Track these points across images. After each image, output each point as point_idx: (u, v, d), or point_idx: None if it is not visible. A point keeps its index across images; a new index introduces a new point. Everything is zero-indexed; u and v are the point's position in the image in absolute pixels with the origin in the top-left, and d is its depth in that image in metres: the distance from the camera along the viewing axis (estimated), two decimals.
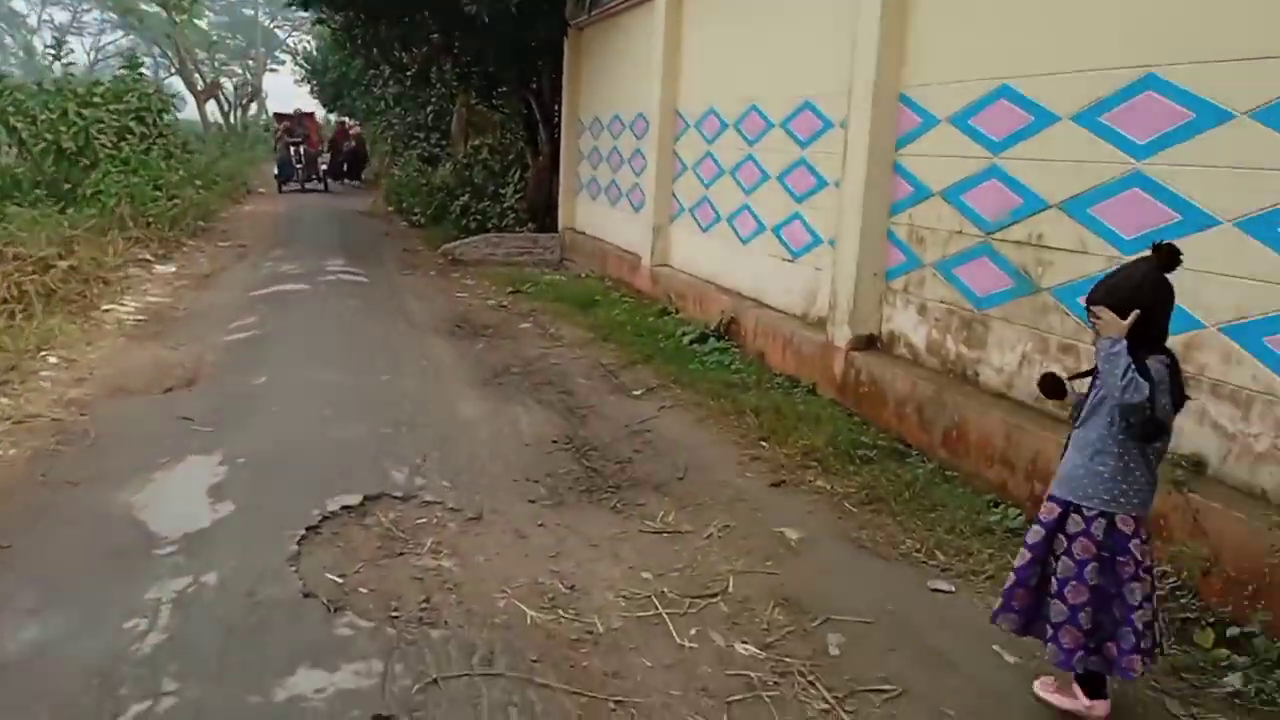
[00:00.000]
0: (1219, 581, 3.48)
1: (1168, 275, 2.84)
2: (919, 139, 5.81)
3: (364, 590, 3.71)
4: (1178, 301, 2.92)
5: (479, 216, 15.78)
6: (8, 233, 9.25)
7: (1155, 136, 4.08)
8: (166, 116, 17.58)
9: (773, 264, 7.75)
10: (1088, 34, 4.48)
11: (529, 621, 3.52)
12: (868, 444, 5.41)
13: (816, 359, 6.59)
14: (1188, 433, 3.86)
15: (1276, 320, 3.51)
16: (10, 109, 14.21)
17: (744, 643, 3.45)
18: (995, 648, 3.44)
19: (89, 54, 50.59)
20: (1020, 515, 4.41)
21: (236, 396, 6.25)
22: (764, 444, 5.59)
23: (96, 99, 15.50)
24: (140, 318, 8.60)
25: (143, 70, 18.56)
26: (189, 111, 34.96)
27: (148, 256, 11.52)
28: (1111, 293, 2.86)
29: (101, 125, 14.88)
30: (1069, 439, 3.03)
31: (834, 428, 5.60)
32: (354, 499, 4.52)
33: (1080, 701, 3.03)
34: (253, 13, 50.23)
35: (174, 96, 20.53)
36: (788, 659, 3.35)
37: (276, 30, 50.84)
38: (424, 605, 3.61)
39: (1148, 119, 4.11)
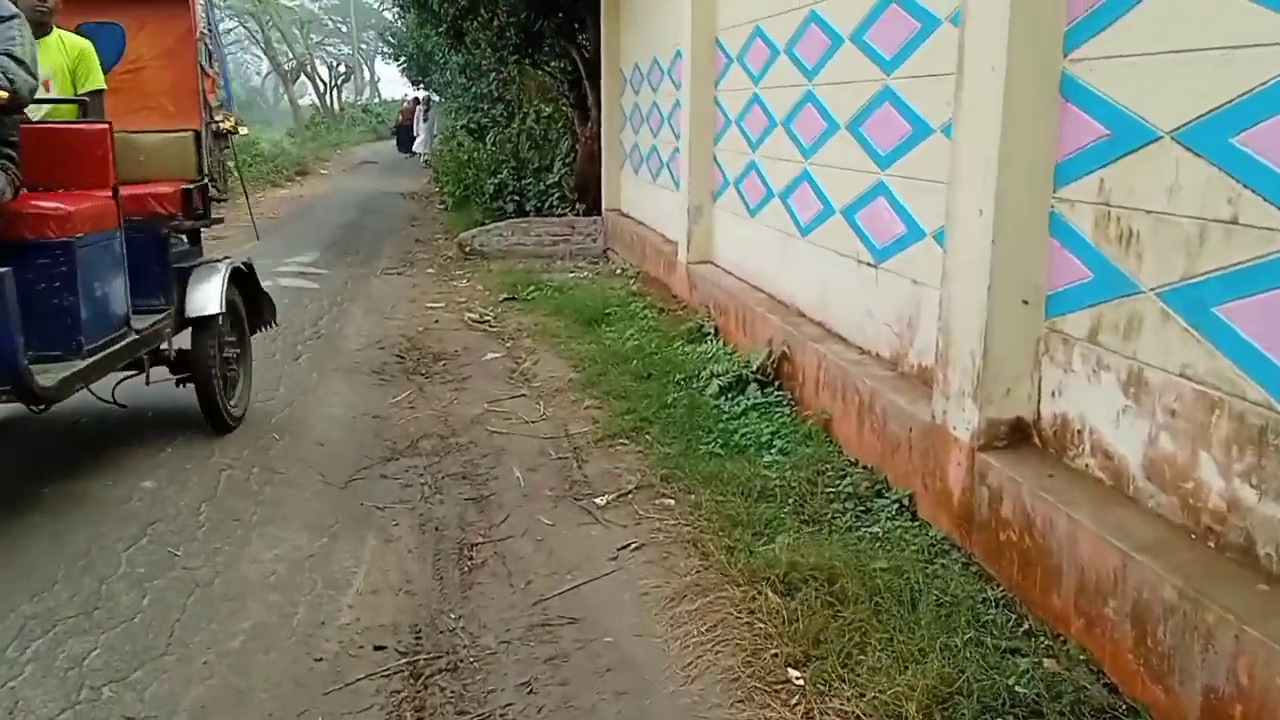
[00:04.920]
0: None
1: None
2: (1118, 21, 2.76)
3: None
4: None
5: (517, 197, 13.12)
6: None
7: None
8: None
9: (845, 268, 4.75)
10: None
11: None
12: (1026, 692, 2.42)
13: (915, 449, 3.61)
14: None
15: None
16: None
17: None
18: None
19: None
20: None
21: None
22: (797, 681, 2.64)
23: None
24: None
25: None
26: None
27: None
28: None
29: None
30: None
31: (949, 642, 2.62)
32: None
33: None
34: None
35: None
36: None
37: (386, 13, 48.69)
38: None
39: None
